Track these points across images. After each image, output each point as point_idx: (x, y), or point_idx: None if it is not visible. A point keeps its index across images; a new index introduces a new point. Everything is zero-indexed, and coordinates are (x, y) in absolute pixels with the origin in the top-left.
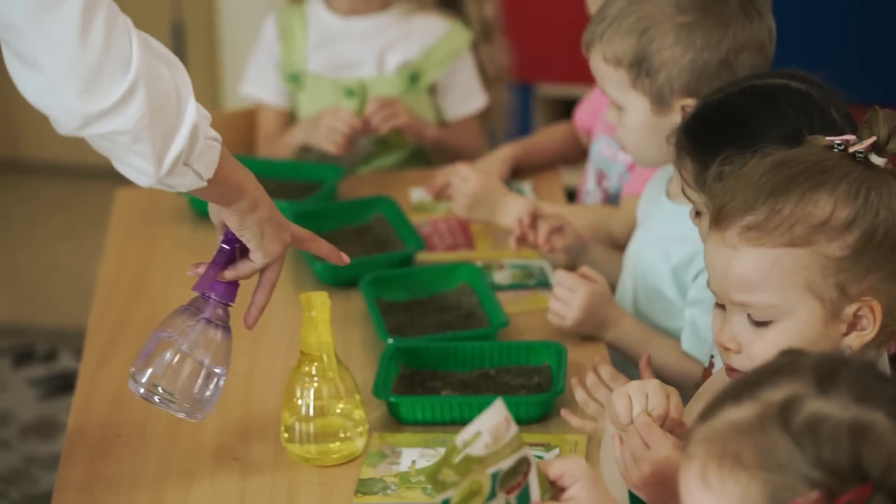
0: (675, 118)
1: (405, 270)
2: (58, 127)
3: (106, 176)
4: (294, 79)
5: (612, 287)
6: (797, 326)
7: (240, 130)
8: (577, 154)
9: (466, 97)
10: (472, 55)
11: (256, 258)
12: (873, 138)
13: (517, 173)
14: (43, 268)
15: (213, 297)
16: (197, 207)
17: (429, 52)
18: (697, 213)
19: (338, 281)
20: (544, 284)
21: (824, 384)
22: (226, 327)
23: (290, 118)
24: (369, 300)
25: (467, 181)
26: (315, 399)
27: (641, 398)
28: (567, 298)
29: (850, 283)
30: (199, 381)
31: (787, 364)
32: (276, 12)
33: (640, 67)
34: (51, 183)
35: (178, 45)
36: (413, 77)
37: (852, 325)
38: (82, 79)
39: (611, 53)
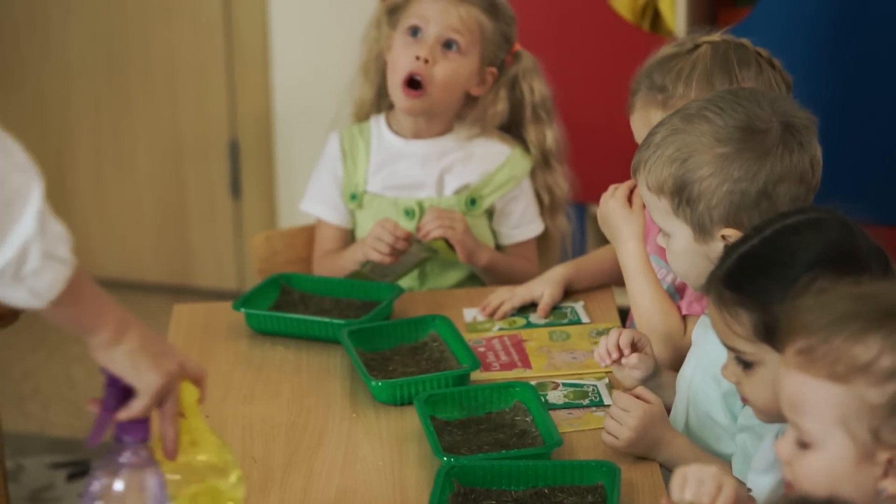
0: (718, 246)
1: (460, 389)
2: None
3: (161, 291)
4: (354, 198)
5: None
6: (830, 459)
7: (297, 248)
8: None
9: (523, 223)
10: (532, 181)
11: (140, 394)
12: None
13: (570, 293)
14: (98, 382)
15: (126, 438)
16: (253, 324)
17: (488, 176)
18: (748, 365)
19: (393, 399)
20: (598, 404)
21: None
22: (151, 462)
23: (349, 237)
24: (424, 418)
25: (609, 198)
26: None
27: (694, 482)
28: (621, 418)
29: (886, 430)
30: None
31: None
32: (340, 131)
33: (680, 196)
34: None
35: (234, 163)
36: (472, 200)
37: (888, 471)
38: None
39: (653, 181)
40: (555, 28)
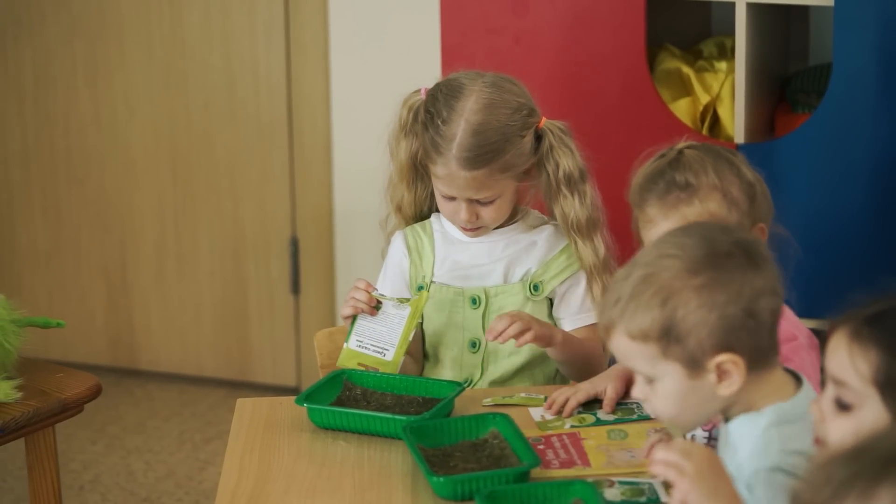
0: (711, 378)
1: (520, 486)
2: None
3: (219, 385)
4: (421, 289)
5: None
6: None
7: None
8: None
9: (584, 310)
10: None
11: None
12: None
13: (630, 390)
14: (156, 474)
15: None
16: (315, 419)
17: (546, 263)
18: (845, 406)
19: (455, 496)
20: (654, 502)
21: None
22: None
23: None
24: None
25: None
26: None
27: None
28: None
29: None
30: None
31: None
32: (404, 231)
33: (668, 337)
34: (165, 390)
35: (294, 260)
36: (535, 287)
37: None
38: None
39: (636, 329)
40: (618, 133)
